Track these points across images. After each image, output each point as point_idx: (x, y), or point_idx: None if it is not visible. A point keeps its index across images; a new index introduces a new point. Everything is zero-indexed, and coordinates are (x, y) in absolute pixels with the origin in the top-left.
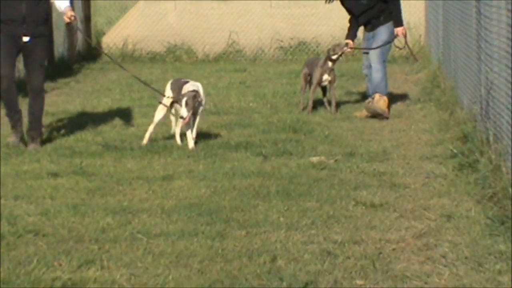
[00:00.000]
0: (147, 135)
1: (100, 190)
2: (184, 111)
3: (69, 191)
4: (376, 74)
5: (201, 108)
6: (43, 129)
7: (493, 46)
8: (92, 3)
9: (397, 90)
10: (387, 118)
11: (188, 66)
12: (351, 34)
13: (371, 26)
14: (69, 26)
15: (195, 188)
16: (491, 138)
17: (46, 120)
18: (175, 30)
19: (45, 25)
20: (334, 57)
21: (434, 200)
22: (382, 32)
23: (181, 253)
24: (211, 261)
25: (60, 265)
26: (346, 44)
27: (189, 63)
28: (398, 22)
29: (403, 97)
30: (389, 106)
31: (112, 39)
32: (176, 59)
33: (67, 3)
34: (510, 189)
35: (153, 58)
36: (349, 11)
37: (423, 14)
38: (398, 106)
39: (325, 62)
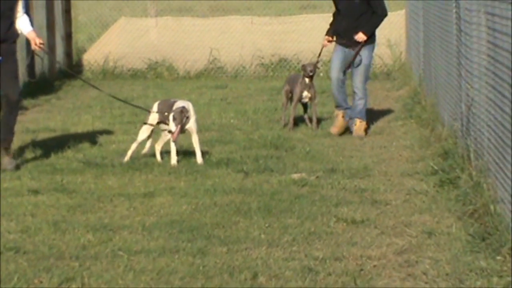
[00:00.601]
0: (129, 153)
1: (81, 207)
2: (172, 126)
3: (50, 208)
4: (360, 101)
5: (194, 125)
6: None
7: (473, 63)
8: (73, 20)
9: (378, 107)
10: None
11: (169, 82)
12: (332, 30)
13: (350, 41)
14: (35, 52)
15: (176, 205)
16: (471, 155)
17: (27, 137)
18: (156, 47)
19: (15, 43)
20: (310, 73)
21: (415, 216)
22: (364, 56)
23: (162, 270)
24: (192, 278)
25: (41, 282)
26: (317, 62)
27: (170, 79)
28: (368, 30)
29: (384, 113)
30: (367, 129)
31: (93, 56)
32: (157, 76)
33: (30, 27)
34: (491, 206)
35: (134, 75)
36: (336, 5)
37: (403, 31)
38: (379, 122)
39: (303, 79)
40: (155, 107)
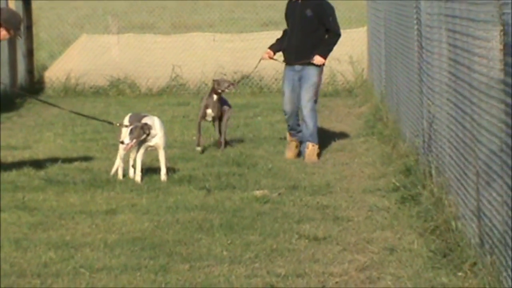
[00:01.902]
0: (118, 171)
1: (43, 224)
2: (126, 138)
3: (11, 226)
4: (311, 122)
5: (161, 141)
6: None
7: (435, 80)
8: (34, 37)
9: (340, 124)
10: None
11: (131, 100)
12: (276, 46)
13: (300, 57)
14: None
15: (138, 222)
16: (433, 171)
17: None
18: (118, 64)
19: None
20: (220, 90)
21: (377, 233)
22: (312, 75)
23: None
24: None
25: None
26: (234, 81)
27: (132, 97)
28: (324, 52)
29: (346, 130)
30: (319, 153)
31: (54, 73)
32: (119, 93)
33: None
34: (452, 222)
35: (96, 92)
36: (287, 20)
37: (365, 48)
38: (341, 139)
39: (210, 95)
40: (126, 120)
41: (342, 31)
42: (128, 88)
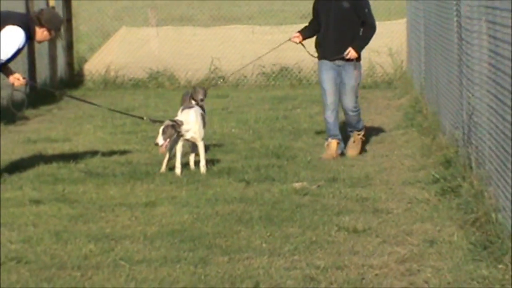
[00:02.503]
0: (177, 164)
1: (83, 217)
2: (160, 139)
3: (52, 218)
4: (355, 117)
5: (198, 134)
6: None
7: (475, 72)
8: (74, 29)
9: (379, 116)
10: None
11: (170, 92)
12: (307, 32)
13: (338, 51)
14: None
15: (177, 215)
16: (473, 163)
17: (28, 147)
18: (157, 56)
19: None
20: (201, 102)
21: (416, 225)
22: (351, 76)
23: (163, 280)
24: None
25: None
26: (204, 89)
27: (171, 89)
28: (359, 46)
29: (385, 122)
30: (363, 145)
31: (94, 66)
32: (159, 86)
33: None
34: (492, 214)
35: (136, 84)
36: (318, 14)
37: (405, 40)
38: (380, 131)
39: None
40: (179, 113)
41: (381, 23)
42: (167, 80)
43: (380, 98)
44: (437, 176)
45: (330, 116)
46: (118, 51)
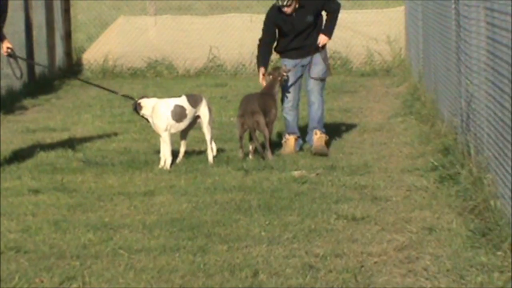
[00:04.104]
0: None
1: (81, 206)
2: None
3: (50, 208)
4: (319, 109)
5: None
6: None
7: (473, 59)
8: (72, 19)
9: (377, 104)
10: (326, 155)
11: (169, 81)
12: (266, 59)
13: (305, 51)
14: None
15: (176, 203)
16: (471, 151)
17: (27, 137)
18: (156, 45)
19: None
20: None
21: (415, 212)
22: (319, 61)
23: (162, 269)
24: (193, 276)
25: (42, 281)
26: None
27: (170, 78)
28: (328, 32)
29: (383, 110)
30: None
31: (92, 55)
32: (157, 75)
33: None
34: (491, 201)
35: (134, 73)
36: (279, 31)
37: (403, 27)
38: (378, 119)
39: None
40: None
41: (379, 10)
42: (165, 69)
43: (379, 86)
44: (435, 163)
45: (289, 113)
46: (116, 40)
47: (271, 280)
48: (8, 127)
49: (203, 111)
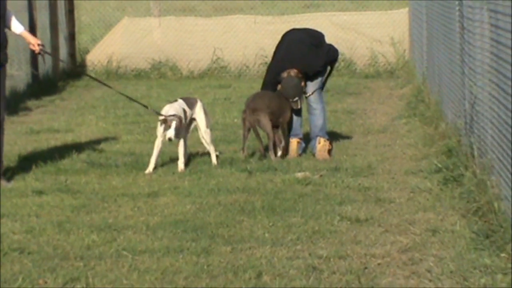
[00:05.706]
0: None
1: (85, 207)
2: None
3: (54, 209)
4: (321, 116)
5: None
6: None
7: (477, 61)
8: (76, 20)
9: (381, 105)
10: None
11: (173, 82)
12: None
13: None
14: (36, 54)
15: (180, 205)
16: (475, 152)
17: (31, 138)
18: (160, 47)
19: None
20: None
21: (419, 214)
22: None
23: (166, 270)
24: (197, 278)
25: (46, 282)
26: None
27: (173, 79)
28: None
29: (387, 112)
30: (331, 150)
31: (96, 57)
32: (161, 76)
33: (22, 27)
34: (494, 203)
35: (138, 75)
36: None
37: (407, 29)
38: (382, 121)
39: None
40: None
41: (384, 12)
42: (169, 70)
43: (383, 87)
44: (439, 165)
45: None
46: (121, 41)
47: (274, 282)
48: (12, 128)
49: (199, 114)
